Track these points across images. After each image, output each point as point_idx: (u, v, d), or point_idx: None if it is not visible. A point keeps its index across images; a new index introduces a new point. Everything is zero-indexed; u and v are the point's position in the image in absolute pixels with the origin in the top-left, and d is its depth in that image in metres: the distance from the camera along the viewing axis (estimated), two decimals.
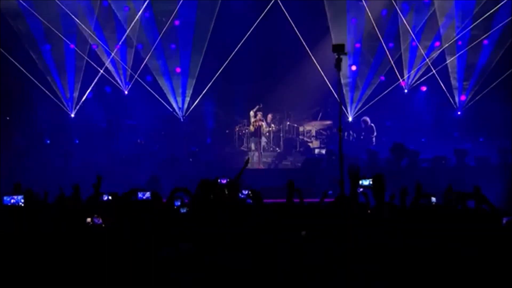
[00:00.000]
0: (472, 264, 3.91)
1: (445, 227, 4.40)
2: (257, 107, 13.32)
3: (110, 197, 6.52)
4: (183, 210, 5.69)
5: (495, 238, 4.27)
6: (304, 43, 13.30)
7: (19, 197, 5.58)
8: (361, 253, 4.04)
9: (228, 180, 6.66)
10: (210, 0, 13.31)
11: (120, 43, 13.34)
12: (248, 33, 13.23)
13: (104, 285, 4.05)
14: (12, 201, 5.58)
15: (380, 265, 4.02)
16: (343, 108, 13.65)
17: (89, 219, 5.21)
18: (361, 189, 5.97)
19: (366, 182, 5.79)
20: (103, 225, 5.24)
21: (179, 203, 5.95)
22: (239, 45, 13.12)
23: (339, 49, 5.21)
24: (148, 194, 6.66)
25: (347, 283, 3.81)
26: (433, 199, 6.31)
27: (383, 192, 4.94)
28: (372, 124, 13.91)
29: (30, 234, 4.71)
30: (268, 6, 12.96)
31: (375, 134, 13.92)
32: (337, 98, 6.53)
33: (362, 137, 13.96)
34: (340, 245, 4.10)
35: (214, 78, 13.65)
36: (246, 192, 6.65)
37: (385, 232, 4.37)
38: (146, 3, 12.99)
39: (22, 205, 5.63)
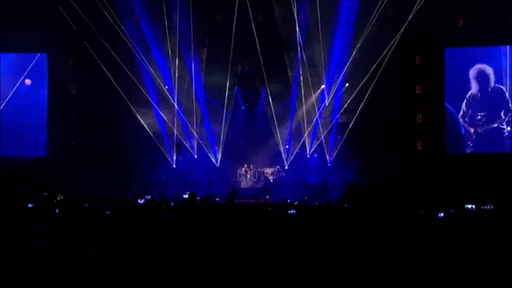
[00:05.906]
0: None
1: None
2: (245, 165, 26.80)
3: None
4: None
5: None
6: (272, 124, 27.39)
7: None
8: None
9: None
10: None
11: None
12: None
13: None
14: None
15: None
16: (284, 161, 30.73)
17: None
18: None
19: (186, 196, 11.98)
20: None
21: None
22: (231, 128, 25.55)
23: (177, 145, 18.45)
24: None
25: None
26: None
27: (194, 198, 10.44)
28: (281, 170, 25.39)
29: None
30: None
31: (283, 173, 25.61)
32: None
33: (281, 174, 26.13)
34: None
35: (221, 144, 25.75)
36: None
37: None
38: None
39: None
